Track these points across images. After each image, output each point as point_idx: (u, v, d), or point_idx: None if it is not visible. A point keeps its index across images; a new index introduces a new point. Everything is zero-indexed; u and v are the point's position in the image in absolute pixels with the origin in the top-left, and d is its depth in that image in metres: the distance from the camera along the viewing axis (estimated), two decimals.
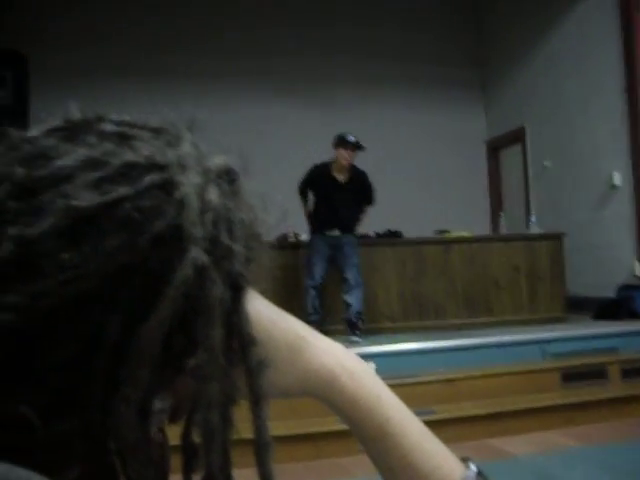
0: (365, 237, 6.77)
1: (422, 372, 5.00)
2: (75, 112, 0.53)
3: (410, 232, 7.08)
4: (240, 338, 0.50)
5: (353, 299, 5.82)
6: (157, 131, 0.52)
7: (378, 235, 6.98)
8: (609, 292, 7.06)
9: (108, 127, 0.51)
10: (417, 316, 6.55)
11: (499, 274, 6.74)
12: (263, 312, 0.57)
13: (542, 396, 5.05)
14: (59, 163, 0.46)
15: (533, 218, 7.04)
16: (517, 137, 9.20)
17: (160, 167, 0.48)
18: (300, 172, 6.07)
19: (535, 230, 6.99)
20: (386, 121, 9.27)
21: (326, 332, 0.66)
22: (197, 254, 0.46)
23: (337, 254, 5.83)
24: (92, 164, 0.47)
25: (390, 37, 9.41)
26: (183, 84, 8.71)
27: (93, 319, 0.44)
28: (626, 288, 6.97)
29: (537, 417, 4.84)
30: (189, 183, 0.48)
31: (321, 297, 5.89)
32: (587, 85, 7.77)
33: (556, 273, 6.83)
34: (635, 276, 7.05)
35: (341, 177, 5.89)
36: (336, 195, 5.80)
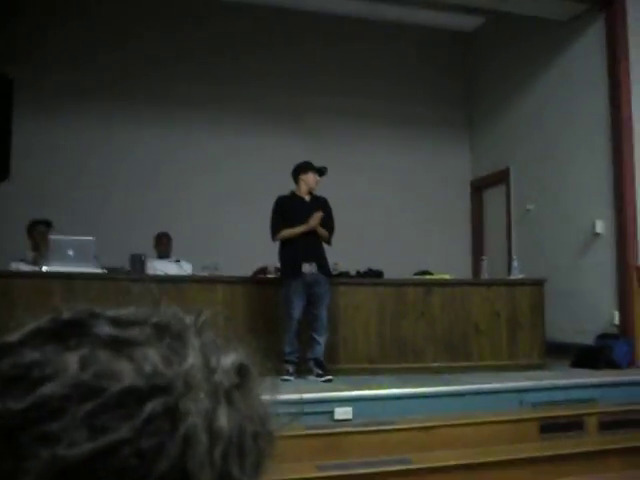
0: (345, 275, 6.72)
1: (399, 418, 4.93)
2: (64, 312, 0.46)
3: (390, 271, 7.04)
4: None
5: (322, 338, 5.83)
6: (160, 329, 0.45)
7: (359, 274, 6.93)
8: (588, 339, 7.05)
9: (103, 330, 0.44)
10: (396, 358, 6.47)
11: (479, 318, 6.70)
12: None
13: (520, 447, 4.99)
14: (44, 391, 0.39)
15: (515, 263, 7.03)
16: (501, 178, 9.23)
17: (163, 389, 0.41)
18: None
19: (517, 275, 6.97)
20: (371, 158, 9.27)
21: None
22: None
23: (312, 291, 5.81)
24: (84, 392, 0.39)
25: (378, 76, 9.44)
26: (170, 109, 8.69)
27: None
28: (605, 337, 6.96)
29: (515, 469, 4.77)
30: (196, 411, 0.41)
31: (299, 335, 5.84)
32: (572, 131, 7.82)
33: (536, 319, 6.80)
34: (614, 325, 7.05)
35: (306, 197, 6.05)
36: (305, 213, 5.88)
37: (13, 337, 0.44)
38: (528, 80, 8.63)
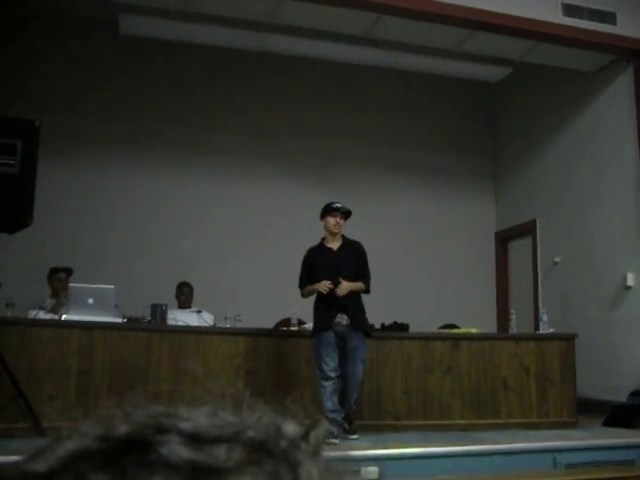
0: (370, 329, 6.53)
1: (427, 478, 4.71)
2: (120, 422, 0.31)
3: (415, 324, 6.87)
4: None
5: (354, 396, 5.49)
6: (258, 450, 0.31)
7: (384, 327, 6.75)
8: (621, 396, 6.80)
9: (177, 453, 0.29)
10: (421, 415, 6.25)
11: (508, 374, 6.48)
12: None
13: None
14: None
15: (545, 317, 6.82)
16: (527, 230, 9.08)
17: None
18: (305, 252, 5.85)
19: (546, 329, 6.76)
20: (395, 208, 9.19)
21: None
22: None
23: (342, 344, 5.47)
24: None
25: (403, 125, 9.41)
26: (193, 158, 8.68)
27: None
28: (639, 393, 6.71)
29: None
30: None
31: (337, 392, 5.46)
32: (600, 182, 7.70)
33: (567, 375, 6.57)
34: None
35: (334, 245, 5.71)
36: (332, 265, 5.54)
37: (41, 464, 0.29)
38: (555, 130, 8.54)
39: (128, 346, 5.73)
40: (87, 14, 8.14)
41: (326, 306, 5.51)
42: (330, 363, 5.39)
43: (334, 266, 5.55)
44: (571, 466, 5.19)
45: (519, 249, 9.42)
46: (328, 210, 5.72)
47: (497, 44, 7.41)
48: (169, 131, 8.60)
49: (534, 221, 8.92)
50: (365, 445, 5.11)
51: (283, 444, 0.32)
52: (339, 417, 5.36)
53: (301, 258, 5.78)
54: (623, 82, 7.41)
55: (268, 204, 8.76)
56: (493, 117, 10.06)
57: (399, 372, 6.29)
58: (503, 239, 9.74)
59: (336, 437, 5.00)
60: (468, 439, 5.54)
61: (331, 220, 5.68)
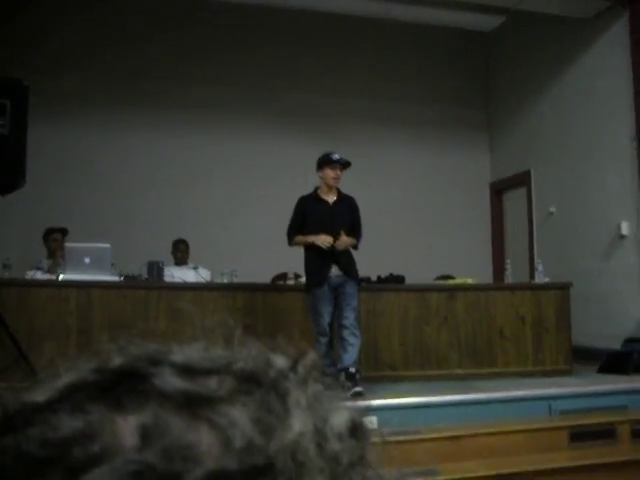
0: (367, 281, 6.55)
1: (425, 428, 4.79)
2: (115, 355, 0.32)
3: (411, 276, 6.88)
4: None
5: (350, 344, 5.34)
6: (247, 379, 0.32)
7: (380, 279, 6.77)
8: (615, 344, 6.88)
9: (170, 383, 0.30)
10: (419, 365, 6.33)
11: (504, 323, 6.55)
12: None
13: (550, 456, 4.83)
14: None
15: (540, 267, 6.86)
16: (522, 181, 9.07)
17: (264, 472, 0.28)
18: None
19: (541, 279, 6.81)
20: (389, 161, 9.16)
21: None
22: None
23: (337, 294, 5.40)
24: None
25: (395, 78, 9.32)
26: (185, 112, 8.60)
27: None
28: (633, 341, 6.79)
29: (545, 478, 4.62)
30: None
31: (332, 346, 5.49)
32: (594, 131, 7.66)
33: (562, 324, 6.64)
34: None
35: (330, 198, 5.50)
36: (328, 219, 5.40)
37: (41, 395, 0.31)
38: (549, 80, 8.47)
39: (126, 304, 5.76)
40: None
41: (319, 259, 5.39)
42: (327, 317, 5.37)
43: (330, 220, 5.39)
44: (566, 412, 5.29)
45: (514, 200, 9.43)
46: (327, 161, 5.44)
47: None
48: (167, 90, 8.49)
49: (529, 172, 8.90)
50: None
51: (272, 374, 0.33)
52: (332, 371, 5.20)
53: None
54: (619, 29, 7.32)
55: (261, 161, 8.71)
56: (487, 68, 9.97)
57: (396, 324, 6.35)
58: (498, 190, 9.74)
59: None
60: (465, 388, 5.61)
61: (330, 173, 5.41)
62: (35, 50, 7.92)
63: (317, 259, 5.41)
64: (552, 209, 8.37)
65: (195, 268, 6.75)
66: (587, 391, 5.55)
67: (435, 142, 9.49)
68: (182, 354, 0.33)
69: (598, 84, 7.64)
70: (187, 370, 0.32)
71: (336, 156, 5.44)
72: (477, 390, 5.53)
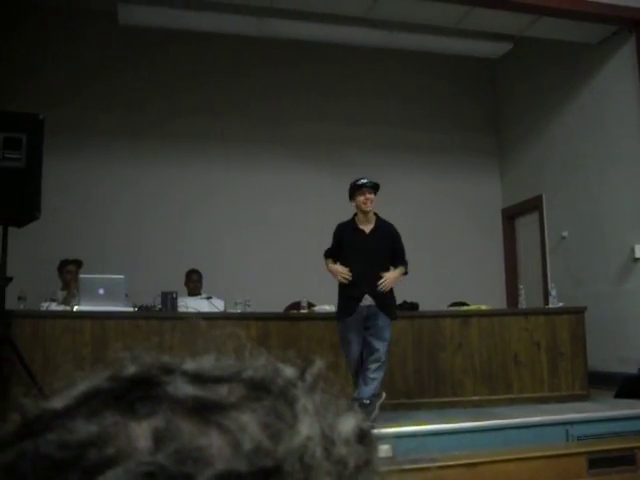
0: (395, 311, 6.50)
1: (442, 455, 4.75)
2: (128, 364, 0.35)
3: (425, 303, 6.88)
4: None
5: (371, 378, 5.22)
6: (256, 387, 0.34)
7: None
8: (631, 368, 6.81)
9: (182, 390, 0.32)
10: (434, 392, 6.30)
11: (519, 349, 6.51)
12: None
13: None
14: None
15: (553, 292, 6.84)
16: (534, 205, 9.07)
17: (272, 474, 0.30)
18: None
19: (555, 304, 6.78)
20: (402, 187, 9.15)
21: None
22: None
23: (368, 324, 5.28)
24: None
25: (405, 104, 9.38)
26: (201, 147, 8.68)
27: None
28: None
29: None
30: None
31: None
32: (605, 155, 7.67)
33: (577, 348, 6.60)
34: None
35: (367, 227, 5.43)
36: (363, 249, 5.32)
37: (59, 402, 0.33)
38: (558, 105, 8.50)
39: (140, 334, 5.77)
40: (85, 5, 8.12)
41: (350, 289, 5.30)
42: (357, 346, 5.29)
43: (365, 251, 5.32)
44: (583, 438, 5.23)
45: (526, 225, 9.41)
46: (354, 188, 5.42)
47: (497, 20, 7.37)
48: (173, 120, 8.59)
49: (540, 196, 8.90)
50: (378, 424, 5.15)
51: (280, 382, 0.35)
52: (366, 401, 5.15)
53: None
54: (626, 53, 7.36)
55: (273, 190, 8.76)
56: (496, 94, 10.02)
57: (410, 351, 6.33)
58: (510, 216, 9.74)
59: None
60: (481, 415, 5.58)
61: (360, 198, 5.36)
62: (36, 82, 8.04)
63: (348, 289, 5.33)
64: (565, 233, 8.35)
65: (209, 298, 6.77)
66: (604, 416, 5.49)
67: (446, 169, 9.51)
68: (194, 364, 0.35)
69: (607, 107, 7.66)
70: (198, 378, 0.34)
71: (362, 181, 5.43)
72: (493, 416, 5.49)
